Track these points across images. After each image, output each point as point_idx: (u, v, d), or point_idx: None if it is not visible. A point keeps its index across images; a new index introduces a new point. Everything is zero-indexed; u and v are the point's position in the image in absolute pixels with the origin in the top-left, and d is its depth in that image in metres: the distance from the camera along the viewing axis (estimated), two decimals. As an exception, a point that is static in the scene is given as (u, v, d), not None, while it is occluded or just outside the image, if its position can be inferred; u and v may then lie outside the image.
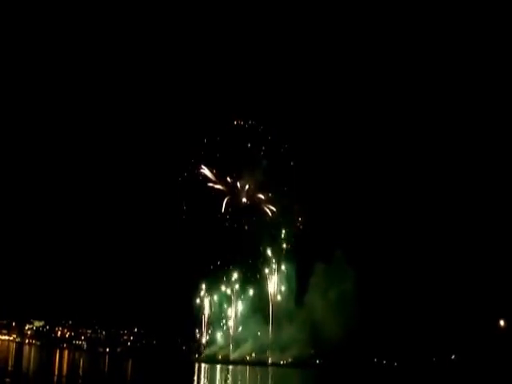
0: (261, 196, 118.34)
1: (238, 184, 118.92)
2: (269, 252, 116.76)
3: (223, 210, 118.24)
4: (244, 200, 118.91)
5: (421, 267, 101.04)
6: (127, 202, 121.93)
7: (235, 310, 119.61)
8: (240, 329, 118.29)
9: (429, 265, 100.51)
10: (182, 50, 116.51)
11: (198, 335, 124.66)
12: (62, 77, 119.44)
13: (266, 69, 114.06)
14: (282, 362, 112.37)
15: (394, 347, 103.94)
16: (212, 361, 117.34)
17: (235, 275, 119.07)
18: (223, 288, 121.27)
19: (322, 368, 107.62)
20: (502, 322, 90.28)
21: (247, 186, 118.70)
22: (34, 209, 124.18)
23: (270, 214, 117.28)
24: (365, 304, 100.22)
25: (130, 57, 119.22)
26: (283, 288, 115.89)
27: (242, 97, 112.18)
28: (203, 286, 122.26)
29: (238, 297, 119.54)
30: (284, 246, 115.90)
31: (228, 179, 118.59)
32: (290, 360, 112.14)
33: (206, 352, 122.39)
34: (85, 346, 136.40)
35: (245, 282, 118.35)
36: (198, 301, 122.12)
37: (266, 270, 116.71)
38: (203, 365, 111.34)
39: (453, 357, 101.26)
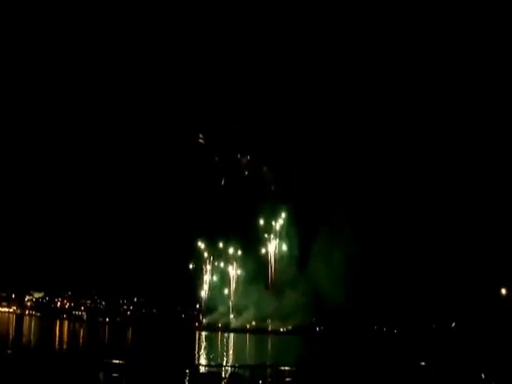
0: (264, 168, 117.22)
1: (239, 155, 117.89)
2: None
3: (223, 182, 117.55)
4: (246, 172, 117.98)
5: (423, 234, 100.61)
6: (123, 171, 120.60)
7: (236, 277, 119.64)
8: (240, 296, 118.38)
9: (431, 231, 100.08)
10: (180, 40, 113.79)
11: (197, 303, 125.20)
12: (61, 73, 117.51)
13: (271, 52, 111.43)
14: (282, 330, 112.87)
15: (394, 315, 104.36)
16: (212, 329, 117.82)
17: (235, 242, 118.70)
18: (223, 255, 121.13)
19: (322, 335, 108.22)
20: (503, 291, 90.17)
21: (248, 157, 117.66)
22: (34, 183, 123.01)
23: (273, 188, 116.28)
24: (366, 271, 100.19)
25: (129, 50, 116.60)
26: (284, 254, 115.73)
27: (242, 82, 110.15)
28: (203, 254, 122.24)
29: (239, 264, 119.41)
30: (285, 211, 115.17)
31: (228, 151, 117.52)
32: (290, 328, 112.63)
33: (206, 320, 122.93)
34: (85, 316, 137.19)
35: (245, 249, 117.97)
36: (197, 269, 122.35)
37: (267, 237, 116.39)
38: (203, 333, 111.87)
39: (453, 325, 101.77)
